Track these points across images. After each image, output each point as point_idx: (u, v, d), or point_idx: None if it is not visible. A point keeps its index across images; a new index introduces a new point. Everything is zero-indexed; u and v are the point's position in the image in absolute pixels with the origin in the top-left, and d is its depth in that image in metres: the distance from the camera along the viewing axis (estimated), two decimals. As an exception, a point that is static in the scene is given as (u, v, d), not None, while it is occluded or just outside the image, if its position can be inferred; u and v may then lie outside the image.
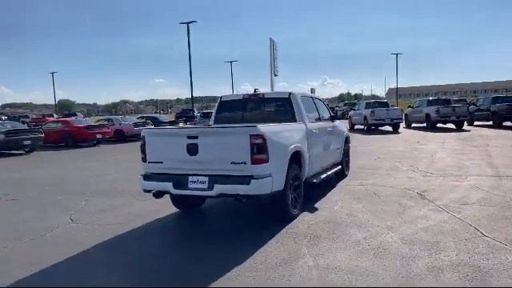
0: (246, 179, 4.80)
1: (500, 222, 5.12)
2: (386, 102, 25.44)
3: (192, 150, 5.03)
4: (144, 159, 5.44)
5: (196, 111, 45.20)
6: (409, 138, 18.17)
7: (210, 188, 4.96)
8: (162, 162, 5.31)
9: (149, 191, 5.42)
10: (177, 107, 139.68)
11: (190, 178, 5.13)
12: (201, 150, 4.98)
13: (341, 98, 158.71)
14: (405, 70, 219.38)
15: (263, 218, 5.99)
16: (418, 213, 5.70)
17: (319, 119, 7.17)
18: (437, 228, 4.98)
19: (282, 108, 6.51)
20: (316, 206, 6.29)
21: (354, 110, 26.11)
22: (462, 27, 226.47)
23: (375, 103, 24.24)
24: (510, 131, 19.01)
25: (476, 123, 24.12)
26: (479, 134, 18.13)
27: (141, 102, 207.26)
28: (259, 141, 4.76)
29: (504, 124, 21.77)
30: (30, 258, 4.56)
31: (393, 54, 54.77)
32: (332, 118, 7.92)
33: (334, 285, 3.57)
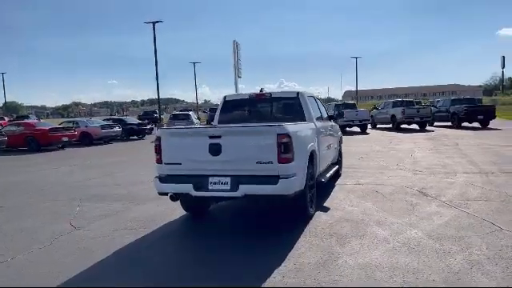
0: (272, 179, 4.71)
1: (509, 215, 5.35)
2: (354, 104, 26.15)
3: (214, 150, 4.87)
4: (159, 160, 5.20)
5: (158, 113, 44.19)
6: (380, 138, 18.74)
7: (234, 189, 4.81)
8: (180, 164, 5.09)
9: (165, 194, 5.19)
10: (133, 109, 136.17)
11: (211, 179, 4.96)
12: (224, 149, 4.83)
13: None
14: (359, 73, 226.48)
15: (275, 219, 5.92)
16: (429, 209, 5.84)
17: (321, 119, 7.20)
18: (455, 223, 5.12)
19: (291, 107, 6.46)
20: (326, 205, 6.30)
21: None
22: (412, 32, 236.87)
23: (343, 105, 24.81)
24: (469, 131, 20.11)
25: (436, 124, 25.32)
26: (443, 134, 19.03)
27: (94, 105, 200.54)
28: (286, 140, 4.69)
29: (462, 125, 23.00)
30: (47, 268, 4.21)
31: (353, 58, 56.34)
32: (330, 118, 7.99)
33: (379, 284, 3.55)
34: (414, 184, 7.62)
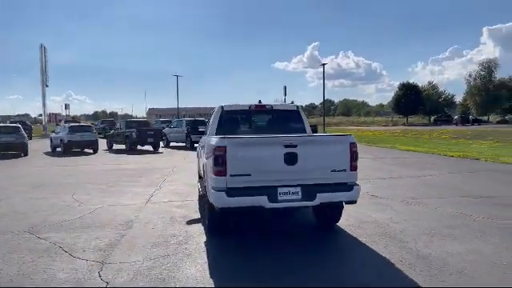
0: (347, 186, 4.97)
1: (468, 207, 6.98)
2: (204, 121, 26.73)
3: (290, 159, 4.79)
4: (222, 172, 4.71)
5: None
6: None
7: (308, 198, 4.84)
8: (249, 175, 4.75)
9: (232, 209, 4.74)
10: None
11: (280, 190, 4.83)
12: (300, 159, 4.81)
13: (96, 115, 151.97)
14: (160, 91, 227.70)
15: (295, 226, 6.07)
16: (404, 208, 7.02)
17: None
18: (437, 216, 6.40)
19: (292, 120, 6.68)
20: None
21: (171, 127, 26.31)
22: (214, 56, 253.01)
23: (194, 121, 25.14)
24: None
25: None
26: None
27: None
28: (355, 149, 5.04)
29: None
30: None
31: (174, 76, 56.62)
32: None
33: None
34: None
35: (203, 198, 6.37)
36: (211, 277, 4.05)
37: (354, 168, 5.03)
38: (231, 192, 4.71)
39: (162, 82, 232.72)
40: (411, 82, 78.43)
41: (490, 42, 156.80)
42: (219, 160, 4.71)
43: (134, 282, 3.95)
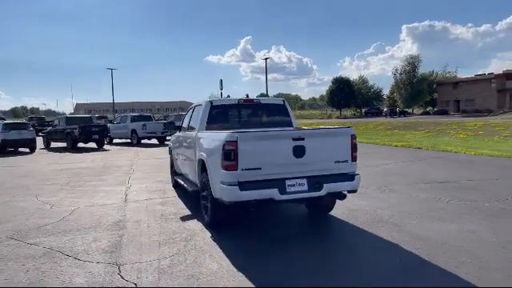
0: (348, 176, 5.23)
1: (436, 192, 7.60)
2: (150, 116, 25.93)
3: (299, 152, 4.93)
4: (233, 167, 4.73)
5: None
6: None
7: (315, 189, 5.02)
8: (260, 168, 4.82)
9: (243, 203, 4.78)
10: None
11: (288, 182, 4.96)
12: (308, 151, 4.97)
13: (15, 112, 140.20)
14: (88, 86, 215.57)
15: (290, 220, 6.25)
16: (381, 195, 7.49)
17: None
18: (414, 201, 6.93)
19: (279, 114, 6.81)
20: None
21: (114, 123, 25.28)
22: (148, 49, 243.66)
23: (140, 117, 24.33)
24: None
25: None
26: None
27: None
28: (355, 140, 5.31)
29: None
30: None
31: (108, 69, 54.05)
32: None
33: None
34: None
35: (195, 194, 6.33)
36: (239, 271, 4.07)
37: (354, 159, 5.29)
38: (243, 186, 4.75)
39: (89, 76, 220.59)
40: (343, 76, 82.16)
41: (409, 39, 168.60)
42: (230, 154, 4.73)
43: (163, 281, 3.87)
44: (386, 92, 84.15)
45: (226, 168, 4.77)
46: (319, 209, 6.16)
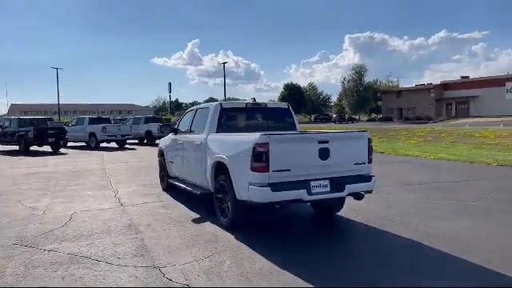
0: (366, 177, 5.52)
1: (423, 192, 8.12)
2: (109, 118, 24.99)
3: (324, 154, 5.14)
4: (264, 168, 4.84)
5: None
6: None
7: (337, 189, 5.24)
8: (289, 170, 4.96)
9: (274, 203, 4.88)
10: None
11: (312, 183, 5.15)
12: (331, 153, 5.18)
13: None
14: (24, 85, 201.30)
15: (294, 222, 6.43)
16: (376, 196, 7.87)
17: None
18: (408, 201, 7.39)
19: (284, 117, 6.98)
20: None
21: (70, 125, 24.07)
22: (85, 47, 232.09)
23: (98, 119, 23.42)
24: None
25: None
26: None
27: None
28: (371, 144, 5.62)
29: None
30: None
31: (53, 68, 51.21)
32: None
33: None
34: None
35: (205, 197, 6.33)
36: (283, 269, 4.16)
37: (370, 161, 5.59)
38: (275, 187, 4.86)
39: (25, 74, 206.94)
40: (294, 83, 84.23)
41: (351, 48, 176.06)
42: (262, 156, 4.83)
43: (214, 281, 3.87)
44: (334, 99, 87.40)
45: (257, 169, 4.86)
46: (329, 209, 6.39)
